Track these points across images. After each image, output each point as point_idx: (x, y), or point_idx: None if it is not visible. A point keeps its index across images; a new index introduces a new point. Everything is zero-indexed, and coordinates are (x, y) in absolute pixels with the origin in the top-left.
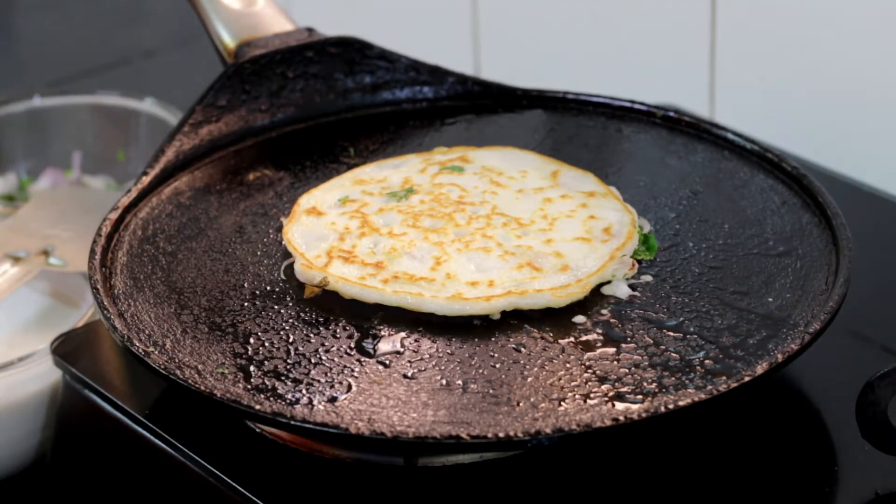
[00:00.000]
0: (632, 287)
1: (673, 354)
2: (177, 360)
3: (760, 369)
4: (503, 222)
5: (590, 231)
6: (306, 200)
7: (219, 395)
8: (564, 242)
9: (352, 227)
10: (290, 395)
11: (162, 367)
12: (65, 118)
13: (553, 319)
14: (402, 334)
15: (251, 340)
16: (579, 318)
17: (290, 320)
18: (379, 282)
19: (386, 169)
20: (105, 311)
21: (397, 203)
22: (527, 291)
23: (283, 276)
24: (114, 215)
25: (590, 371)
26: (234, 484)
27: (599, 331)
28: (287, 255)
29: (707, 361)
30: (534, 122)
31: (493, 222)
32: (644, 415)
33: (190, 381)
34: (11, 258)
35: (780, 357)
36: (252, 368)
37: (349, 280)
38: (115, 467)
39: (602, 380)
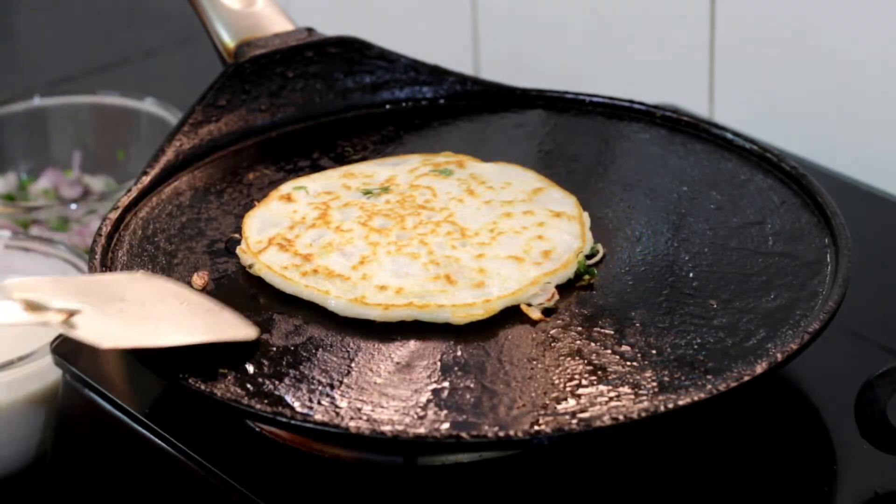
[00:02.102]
0: (632, 287)
1: (673, 354)
2: (177, 360)
3: (760, 369)
4: (447, 230)
5: (528, 251)
6: (286, 187)
7: (219, 394)
8: (496, 259)
9: (308, 218)
10: (289, 395)
11: (162, 366)
12: (65, 118)
13: (553, 320)
14: (403, 334)
15: (251, 340)
16: (579, 318)
17: (290, 320)
18: (298, 274)
19: (380, 166)
20: None
21: (366, 200)
22: (428, 305)
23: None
24: (114, 215)
25: (590, 370)
26: (234, 483)
27: (599, 331)
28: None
29: (707, 361)
30: (534, 122)
31: (439, 230)
32: (644, 414)
33: (190, 380)
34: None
35: (779, 357)
36: (252, 368)
37: (272, 269)
38: (115, 467)
39: (602, 379)
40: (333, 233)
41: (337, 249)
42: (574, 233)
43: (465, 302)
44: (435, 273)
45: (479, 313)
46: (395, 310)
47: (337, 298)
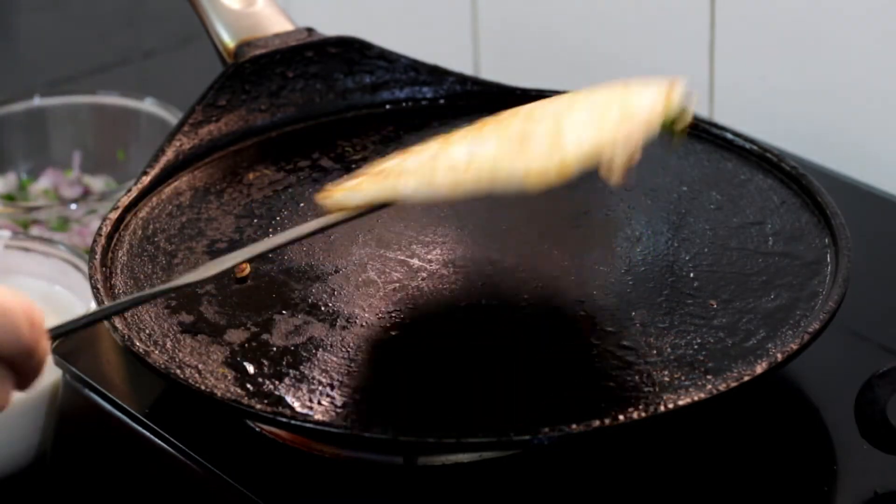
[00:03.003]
0: (632, 287)
1: (673, 354)
2: (177, 360)
3: (760, 369)
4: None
5: (607, 112)
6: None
7: (219, 394)
8: (573, 123)
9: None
10: (289, 395)
11: (162, 366)
12: (65, 118)
13: (553, 318)
14: (403, 334)
15: (251, 340)
16: (579, 318)
17: (290, 320)
18: (368, 181)
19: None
20: None
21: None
22: (499, 172)
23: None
24: (114, 215)
25: (589, 370)
26: (234, 483)
27: (599, 330)
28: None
29: (707, 361)
30: None
31: (516, 119)
32: (644, 414)
33: (190, 380)
34: None
35: (779, 357)
36: (252, 368)
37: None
38: (115, 467)
39: (601, 379)
40: (409, 154)
41: (413, 154)
42: (659, 95)
43: (538, 163)
44: (508, 140)
45: (553, 174)
46: (464, 184)
47: (405, 184)
